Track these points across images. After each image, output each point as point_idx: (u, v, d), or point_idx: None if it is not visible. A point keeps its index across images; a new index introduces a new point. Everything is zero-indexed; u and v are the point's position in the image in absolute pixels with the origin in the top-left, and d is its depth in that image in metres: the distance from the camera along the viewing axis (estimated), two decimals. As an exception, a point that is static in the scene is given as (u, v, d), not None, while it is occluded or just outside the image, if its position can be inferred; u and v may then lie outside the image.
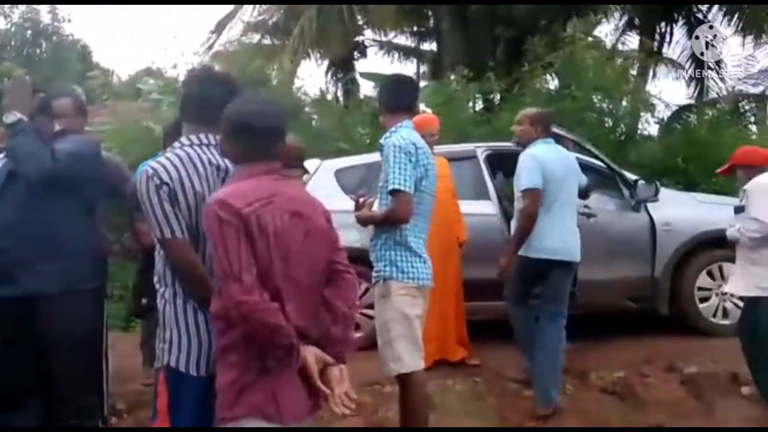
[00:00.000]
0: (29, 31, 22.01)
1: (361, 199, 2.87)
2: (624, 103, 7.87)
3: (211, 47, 11.29)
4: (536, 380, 3.59)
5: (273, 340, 1.68)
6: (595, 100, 7.60)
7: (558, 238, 3.64)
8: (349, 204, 4.18)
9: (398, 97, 2.92)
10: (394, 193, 2.66)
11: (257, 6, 10.82)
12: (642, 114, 8.29)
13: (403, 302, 2.74)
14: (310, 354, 1.75)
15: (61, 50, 22.49)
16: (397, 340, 2.72)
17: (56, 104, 2.89)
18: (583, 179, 3.98)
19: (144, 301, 3.00)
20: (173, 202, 1.87)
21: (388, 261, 2.74)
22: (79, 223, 2.64)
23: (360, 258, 4.42)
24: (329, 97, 14.20)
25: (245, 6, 11.09)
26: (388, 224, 2.74)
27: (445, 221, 4.07)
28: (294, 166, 2.86)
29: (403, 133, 2.75)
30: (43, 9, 22.32)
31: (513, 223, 3.94)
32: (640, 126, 8.37)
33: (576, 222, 3.79)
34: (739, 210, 3.47)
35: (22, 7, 21.83)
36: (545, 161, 3.66)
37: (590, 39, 9.79)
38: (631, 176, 4.85)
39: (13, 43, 21.75)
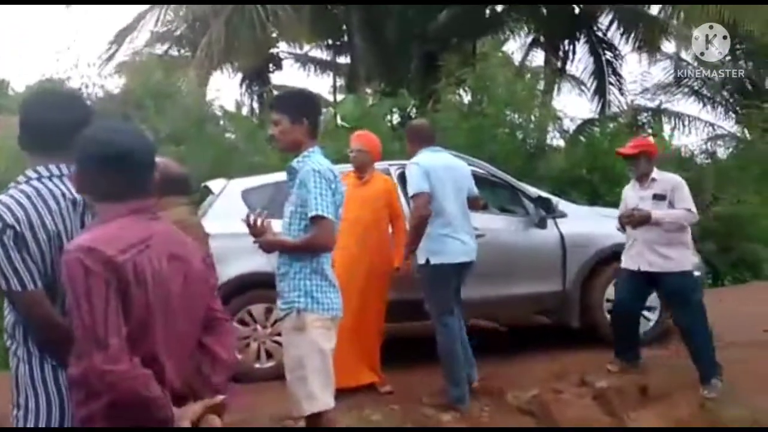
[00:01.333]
0: None
1: (258, 221, 2.61)
2: (532, 117, 8.12)
3: (110, 58, 10.64)
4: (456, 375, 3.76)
5: (145, 413, 1.45)
6: (507, 114, 7.78)
7: (459, 240, 3.78)
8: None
9: (319, 121, 2.81)
10: (317, 219, 2.53)
11: (162, 16, 10.31)
12: (549, 128, 8.59)
13: (318, 336, 2.59)
14: (186, 422, 1.54)
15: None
16: (311, 376, 2.57)
17: None
18: (474, 190, 4.05)
19: None
20: (21, 247, 1.59)
21: (303, 291, 2.58)
22: None
23: (271, 283, 4.26)
24: (245, 110, 13.85)
25: (148, 16, 10.54)
26: (308, 252, 2.59)
27: (377, 244, 3.98)
28: (176, 193, 2.62)
29: (319, 159, 2.63)
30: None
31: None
32: (547, 140, 8.66)
33: (471, 224, 3.93)
34: (660, 197, 3.93)
35: None
36: (430, 167, 3.77)
37: (500, 55, 10.10)
38: (533, 192, 4.88)
39: None
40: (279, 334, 4.30)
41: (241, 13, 9.35)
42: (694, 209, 3.93)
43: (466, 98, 9.19)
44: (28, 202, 1.63)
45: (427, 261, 3.77)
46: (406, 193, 4.75)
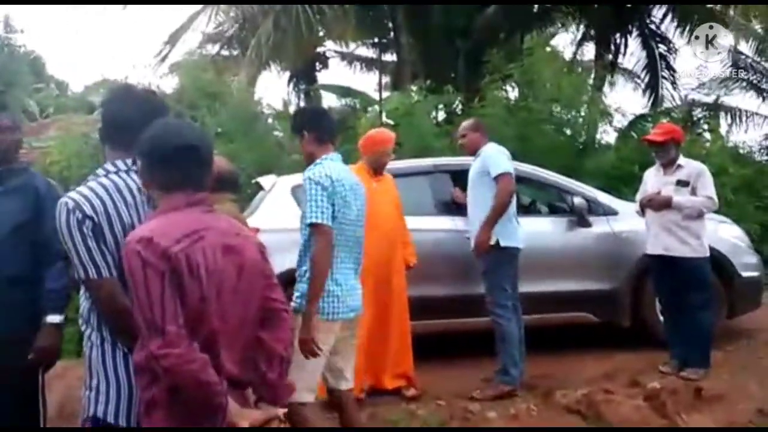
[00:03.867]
0: (-21, 43, 21.15)
1: None
2: (582, 113, 7.95)
3: (164, 59, 10.99)
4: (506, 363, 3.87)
5: (202, 397, 1.51)
6: (554, 111, 7.64)
7: (520, 226, 4.02)
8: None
9: (327, 127, 2.87)
10: (313, 227, 2.63)
11: (213, 17, 10.57)
12: (599, 124, 8.38)
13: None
14: (245, 421, 1.58)
15: (13, 62, 21.68)
16: (311, 369, 2.65)
17: None
18: None
19: None
20: (98, 237, 1.68)
21: (301, 293, 2.69)
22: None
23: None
24: (292, 108, 14.06)
25: (199, 17, 10.83)
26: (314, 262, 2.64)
27: (386, 244, 3.84)
28: (225, 190, 2.70)
29: (325, 166, 2.71)
30: (-4, 20, 21.54)
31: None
32: (598, 136, 8.46)
33: None
34: (683, 183, 4.04)
35: (-29, 19, 21.01)
36: (508, 154, 4.03)
37: (547, 50, 9.92)
38: (576, 189, 4.83)
39: (-41, 55, 20.83)
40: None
41: (289, 13, 9.49)
42: (715, 198, 4.03)
43: (512, 94, 9.09)
44: (106, 195, 1.72)
45: (497, 243, 3.83)
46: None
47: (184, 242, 1.52)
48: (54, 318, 2.48)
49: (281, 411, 1.70)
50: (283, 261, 4.20)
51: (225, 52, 11.59)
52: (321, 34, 12.13)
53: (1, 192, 2.48)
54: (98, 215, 1.69)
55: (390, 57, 14.53)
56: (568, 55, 12.59)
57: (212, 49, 11.53)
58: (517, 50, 10.46)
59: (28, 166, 2.81)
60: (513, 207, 3.97)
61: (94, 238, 1.67)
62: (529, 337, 4.02)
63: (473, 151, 4.14)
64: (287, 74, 14.21)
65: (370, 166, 3.90)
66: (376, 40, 13.85)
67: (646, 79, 12.31)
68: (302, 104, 14.76)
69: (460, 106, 9.46)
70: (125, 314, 1.66)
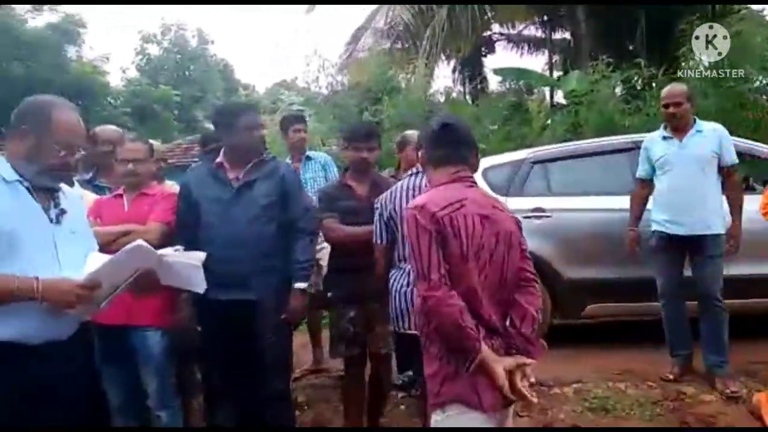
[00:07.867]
0: (179, 56, 24.30)
1: None
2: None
3: (349, 57, 11.73)
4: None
5: (458, 338, 1.80)
6: (761, 79, 6.91)
7: None
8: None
9: None
10: None
11: (389, 13, 11.07)
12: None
13: None
14: (499, 367, 1.82)
15: (207, 70, 24.59)
16: None
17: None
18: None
19: (329, 294, 3.23)
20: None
21: None
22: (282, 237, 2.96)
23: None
24: (454, 94, 14.22)
25: (377, 16, 11.39)
26: None
27: None
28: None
29: None
30: (190, 33, 24.60)
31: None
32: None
33: None
34: None
35: (171, 33, 24.20)
36: None
37: (745, 11, 8.93)
38: None
39: (165, 67, 24.10)
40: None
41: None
42: None
43: (701, 63, 8.34)
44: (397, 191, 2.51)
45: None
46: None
47: (449, 209, 1.87)
48: (301, 284, 2.89)
49: (530, 361, 1.90)
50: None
51: (398, 45, 12.05)
52: (487, 17, 12.07)
53: (254, 179, 2.93)
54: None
55: (559, 35, 14.03)
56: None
57: (386, 44, 12.06)
58: (708, 14, 9.54)
59: (275, 157, 3.24)
60: None
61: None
62: (746, 323, 3.80)
63: (686, 126, 3.74)
64: (453, 62, 14.36)
65: None
66: (545, 18, 13.44)
67: None
68: (468, 90, 14.85)
69: (640, 81, 8.90)
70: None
